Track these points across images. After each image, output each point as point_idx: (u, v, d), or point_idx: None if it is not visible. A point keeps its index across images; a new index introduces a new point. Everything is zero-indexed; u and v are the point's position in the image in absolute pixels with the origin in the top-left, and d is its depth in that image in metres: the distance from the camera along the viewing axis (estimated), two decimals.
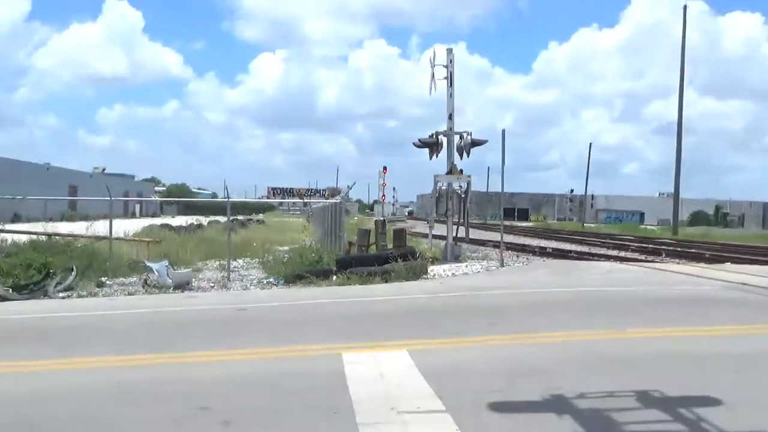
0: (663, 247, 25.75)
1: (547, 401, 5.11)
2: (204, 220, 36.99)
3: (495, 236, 20.69)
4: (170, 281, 12.38)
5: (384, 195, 42.31)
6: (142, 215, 61.13)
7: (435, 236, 19.89)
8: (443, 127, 18.00)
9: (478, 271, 15.32)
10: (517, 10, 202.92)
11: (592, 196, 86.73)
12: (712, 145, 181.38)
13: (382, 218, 23.20)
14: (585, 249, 25.81)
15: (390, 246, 16.96)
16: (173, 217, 54.74)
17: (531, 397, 5.22)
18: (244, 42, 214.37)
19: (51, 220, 30.14)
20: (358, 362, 6.32)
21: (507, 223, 30.23)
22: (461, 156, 17.89)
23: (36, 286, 11.53)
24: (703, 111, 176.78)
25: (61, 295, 11.39)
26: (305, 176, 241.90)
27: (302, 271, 13.43)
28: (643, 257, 21.66)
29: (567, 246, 27.79)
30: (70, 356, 6.78)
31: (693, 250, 23.64)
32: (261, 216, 54.81)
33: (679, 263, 18.65)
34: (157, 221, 35.89)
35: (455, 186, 17.97)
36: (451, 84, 17.91)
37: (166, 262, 13.10)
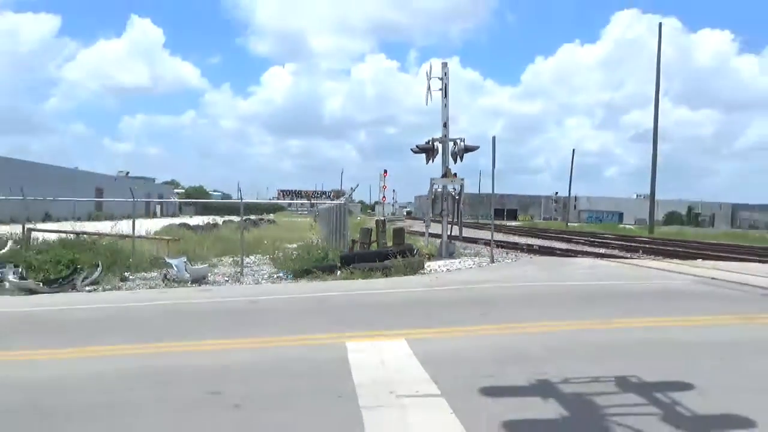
0: (640, 244, 25.66)
1: (534, 386, 5.09)
2: (219, 219, 36.93)
3: (486, 235, 20.61)
4: (188, 276, 12.35)
5: (384, 196, 42.11)
6: (162, 215, 61.16)
7: (431, 234, 19.83)
8: (439, 134, 17.95)
9: (471, 267, 15.27)
10: (506, 24, 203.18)
11: (575, 197, 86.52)
12: (685, 150, 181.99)
13: (382, 218, 23.12)
14: (569, 246, 25.69)
15: (390, 243, 16.92)
16: (191, 216, 54.69)
17: (519, 382, 5.20)
18: (256, 56, 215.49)
19: (79, 219, 30.16)
20: (361, 350, 6.29)
21: (497, 222, 30.14)
22: (455, 161, 17.86)
23: (65, 280, 11.53)
24: (677, 119, 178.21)
25: (87, 288, 11.38)
26: (312, 179, 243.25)
27: (309, 267, 13.38)
28: (622, 254, 21.59)
29: (553, 244, 27.68)
30: (92, 345, 6.76)
31: (668, 248, 23.57)
32: (272, 216, 54.81)
33: (655, 259, 18.57)
34: (176, 221, 35.92)
35: (450, 188, 17.92)
36: (446, 95, 17.86)
37: (184, 259, 13.09)
